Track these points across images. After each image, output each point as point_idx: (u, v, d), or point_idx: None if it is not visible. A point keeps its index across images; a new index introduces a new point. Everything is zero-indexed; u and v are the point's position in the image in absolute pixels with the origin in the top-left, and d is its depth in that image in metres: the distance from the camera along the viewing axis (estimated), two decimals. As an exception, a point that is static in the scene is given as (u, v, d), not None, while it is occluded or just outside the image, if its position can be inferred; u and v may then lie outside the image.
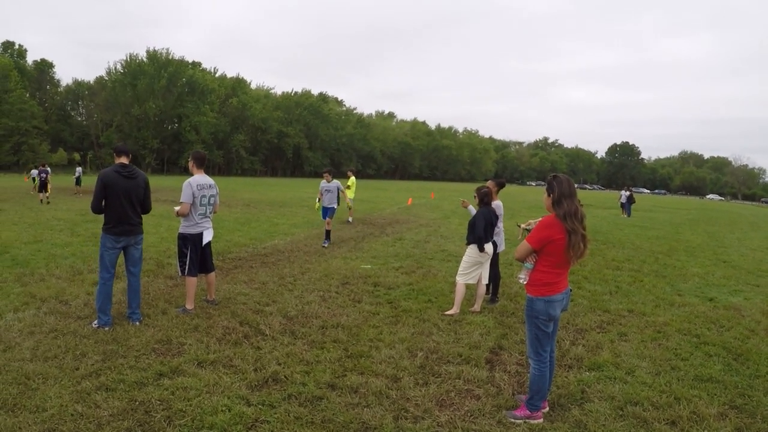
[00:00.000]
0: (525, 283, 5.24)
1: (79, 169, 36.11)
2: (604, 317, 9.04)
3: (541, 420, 5.27)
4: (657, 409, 5.71)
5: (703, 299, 11.06)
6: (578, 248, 5.11)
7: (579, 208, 5.18)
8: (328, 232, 15.55)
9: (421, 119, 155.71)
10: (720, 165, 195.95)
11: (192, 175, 8.26)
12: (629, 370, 6.72)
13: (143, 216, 7.69)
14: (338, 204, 16.21)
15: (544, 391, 5.32)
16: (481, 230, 8.73)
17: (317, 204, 16.33)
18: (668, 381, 6.46)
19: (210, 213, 8.32)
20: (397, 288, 10.27)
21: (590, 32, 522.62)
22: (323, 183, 15.76)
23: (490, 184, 9.47)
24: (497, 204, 9.42)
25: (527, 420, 5.24)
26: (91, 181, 33.08)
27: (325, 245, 15.09)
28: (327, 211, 15.63)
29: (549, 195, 5.17)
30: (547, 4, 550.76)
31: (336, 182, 15.98)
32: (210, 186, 8.25)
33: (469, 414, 5.32)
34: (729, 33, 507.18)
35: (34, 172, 27.26)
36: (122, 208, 7.29)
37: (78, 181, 34.65)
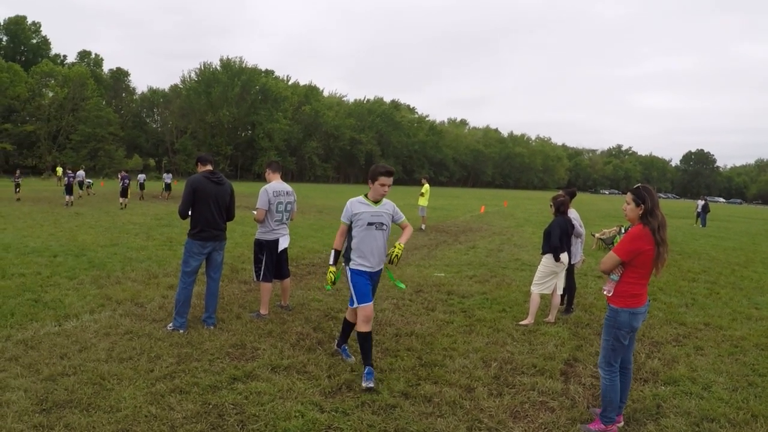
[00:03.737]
0: (610, 294, 5.11)
1: (169, 175, 37.02)
2: (680, 330, 8.76)
3: None
4: (734, 426, 5.55)
5: None
6: (664, 260, 5.04)
7: (665, 219, 5.09)
8: None
9: (493, 126, 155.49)
10: None
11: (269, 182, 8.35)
12: (706, 386, 6.52)
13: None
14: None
15: (616, 403, 5.20)
16: (557, 239, 8.59)
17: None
18: (745, 397, 6.24)
19: (287, 220, 8.39)
20: (470, 297, 10.17)
21: (665, 37, 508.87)
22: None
23: (563, 193, 9.33)
24: (572, 214, 9.26)
25: None
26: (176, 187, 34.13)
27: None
28: None
29: (638, 205, 5.03)
30: (621, 8, 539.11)
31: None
32: (287, 193, 8.32)
33: (543, 426, 5.23)
34: None
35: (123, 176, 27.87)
36: (210, 214, 7.42)
37: (168, 187, 35.60)
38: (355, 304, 6.06)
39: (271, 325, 7.67)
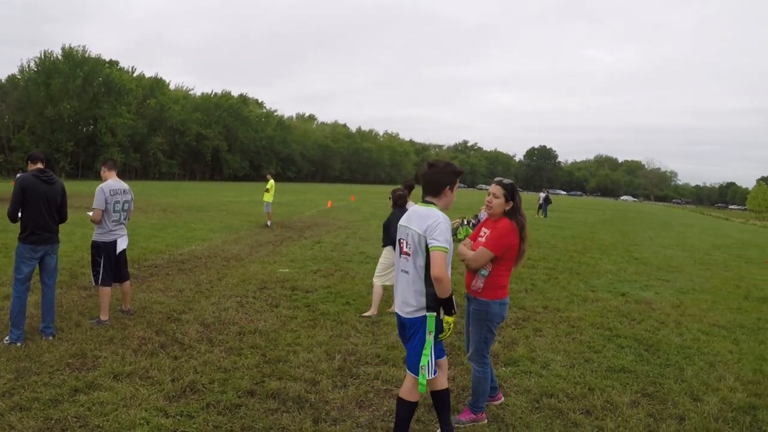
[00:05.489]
0: (480, 290, 5.20)
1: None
2: (519, 314, 9.31)
3: (486, 420, 5.33)
4: (572, 399, 5.93)
5: (616, 294, 11.57)
6: (524, 253, 5.32)
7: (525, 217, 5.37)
8: None
9: (342, 122, 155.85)
10: (633, 168, 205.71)
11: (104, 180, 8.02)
12: (544, 364, 6.95)
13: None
14: None
15: (487, 392, 5.38)
16: (395, 232, 8.81)
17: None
18: (582, 373, 6.72)
19: (124, 219, 8.11)
20: (314, 291, 10.27)
21: (514, 41, 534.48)
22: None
23: (402, 187, 9.60)
24: (412, 206, 9.53)
25: (475, 423, 5.29)
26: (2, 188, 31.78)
27: None
28: None
29: (507, 201, 5.22)
30: (474, 13, 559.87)
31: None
32: (124, 191, 8.04)
33: (388, 413, 5.38)
34: (646, 45, 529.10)
35: None
36: (41, 215, 6.98)
37: None
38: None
39: (112, 331, 7.37)
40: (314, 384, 5.97)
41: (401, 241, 4.71)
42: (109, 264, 7.92)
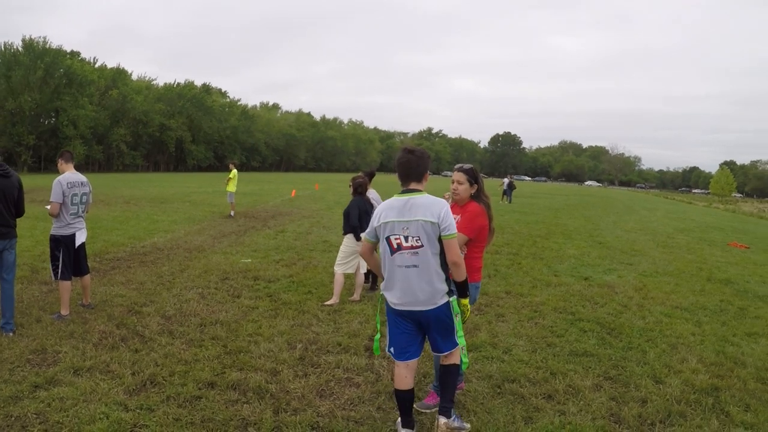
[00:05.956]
0: None
1: None
2: (482, 300, 9.32)
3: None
4: (534, 384, 5.95)
5: (579, 279, 11.69)
6: (494, 231, 5.47)
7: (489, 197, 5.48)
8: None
9: (306, 111, 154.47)
10: (598, 153, 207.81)
11: (62, 173, 7.93)
12: (506, 349, 6.97)
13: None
14: None
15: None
16: (355, 219, 8.85)
17: None
18: (544, 357, 6.76)
19: (83, 212, 8.03)
20: (277, 281, 10.28)
21: (479, 29, 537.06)
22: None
23: (362, 174, 9.65)
24: (372, 194, 9.59)
25: None
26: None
27: None
28: None
29: (472, 185, 5.31)
30: (438, 0, 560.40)
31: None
32: (82, 184, 7.94)
33: (349, 402, 5.41)
34: (610, 33, 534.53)
35: None
36: None
37: None
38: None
39: (72, 325, 7.30)
40: (275, 374, 5.99)
41: (397, 237, 4.50)
42: (69, 258, 7.84)
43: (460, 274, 4.49)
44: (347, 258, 9.08)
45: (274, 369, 6.11)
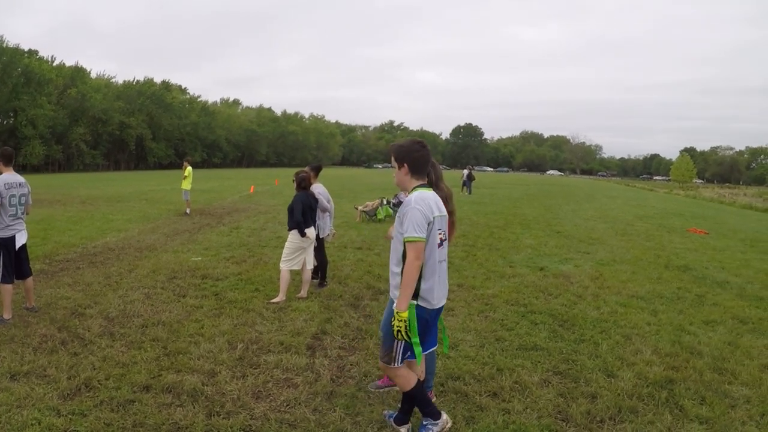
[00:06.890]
0: None
1: None
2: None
3: None
4: (479, 381, 5.78)
5: (534, 269, 11.55)
6: (455, 228, 5.36)
7: (451, 191, 5.38)
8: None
9: (267, 106, 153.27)
10: (559, 143, 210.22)
11: None
12: (453, 345, 6.77)
13: None
14: None
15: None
16: (299, 214, 8.76)
17: None
18: (492, 353, 6.58)
19: (22, 214, 7.80)
20: (225, 279, 10.14)
21: (437, 20, 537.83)
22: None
23: (307, 169, 9.57)
24: (318, 189, 9.51)
25: (391, 387, 5.43)
26: None
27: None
28: None
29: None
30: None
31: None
32: (20, 185, 7.73)
33: (285, 403, 5.27)
34: (570, 23, 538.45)
35: None
36: None
37: None
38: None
39: (14, 329, 7.12)
40: (212, 375, 5.85)
41: (440, 231, 4.43)
42: (9, 260, 7.63)
43: None
44: (293, 254, 8.98)
45: (212, 370, 5.97)
